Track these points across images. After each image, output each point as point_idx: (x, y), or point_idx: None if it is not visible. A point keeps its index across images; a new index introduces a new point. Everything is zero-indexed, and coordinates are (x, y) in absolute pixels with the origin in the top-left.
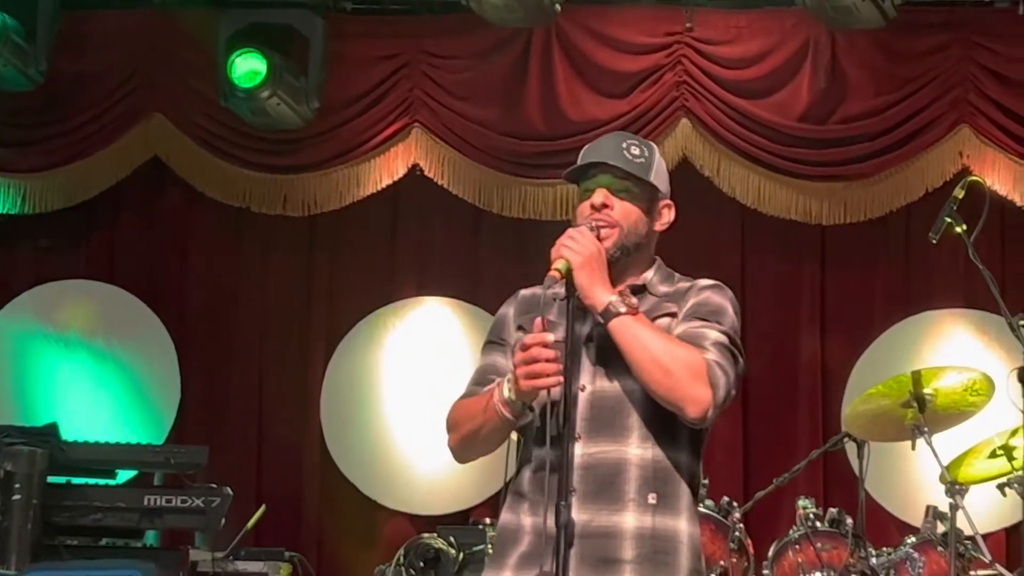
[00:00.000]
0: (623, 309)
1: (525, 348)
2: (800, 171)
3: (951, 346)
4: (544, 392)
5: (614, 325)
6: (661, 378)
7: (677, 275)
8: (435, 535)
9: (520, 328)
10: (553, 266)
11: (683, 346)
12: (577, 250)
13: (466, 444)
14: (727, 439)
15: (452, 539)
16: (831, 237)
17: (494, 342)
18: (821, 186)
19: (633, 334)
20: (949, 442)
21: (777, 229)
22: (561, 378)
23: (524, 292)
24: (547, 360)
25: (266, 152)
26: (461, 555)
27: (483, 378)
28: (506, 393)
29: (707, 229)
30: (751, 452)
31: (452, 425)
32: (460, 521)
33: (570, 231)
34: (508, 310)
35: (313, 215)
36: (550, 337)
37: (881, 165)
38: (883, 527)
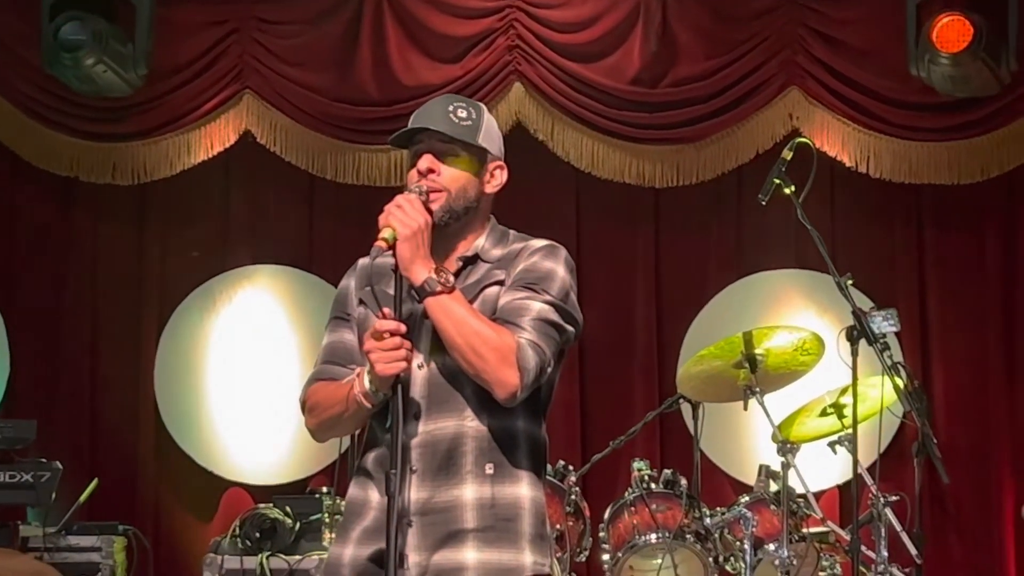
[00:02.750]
0: (438, 288)
1: (378, 335)
2: (633, 134)
3: (783, 306)
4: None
5: (429, 304)
6: (472, 359)
7: (512, 234)
8: (271, 505)
9: (362, 302)
10: (380, 235)
11: (494, 328)
12: (404, 221)
13: (326, 428)
14: (564, 402)
15: (288, 509)
16: (664, 200)
17: (339, 317)
18: (654, 149)
19: (446, 314)
20: (781, 401)
21: (611, 192)
22: (412, 356)
23: (363, 262)
24: (398, 346)
25: (94, 120)
26: (297, 525)
27: (332, 356)
28: (367, 385)
29: (541, 193)
30: (588, 415)
31: (310, 409)
32: (297, 491)
33: (398, 198)
34: (349, 283)
35: (143, 184)
36: (403, 327)
37: (712, 128)
38: (718, 487)
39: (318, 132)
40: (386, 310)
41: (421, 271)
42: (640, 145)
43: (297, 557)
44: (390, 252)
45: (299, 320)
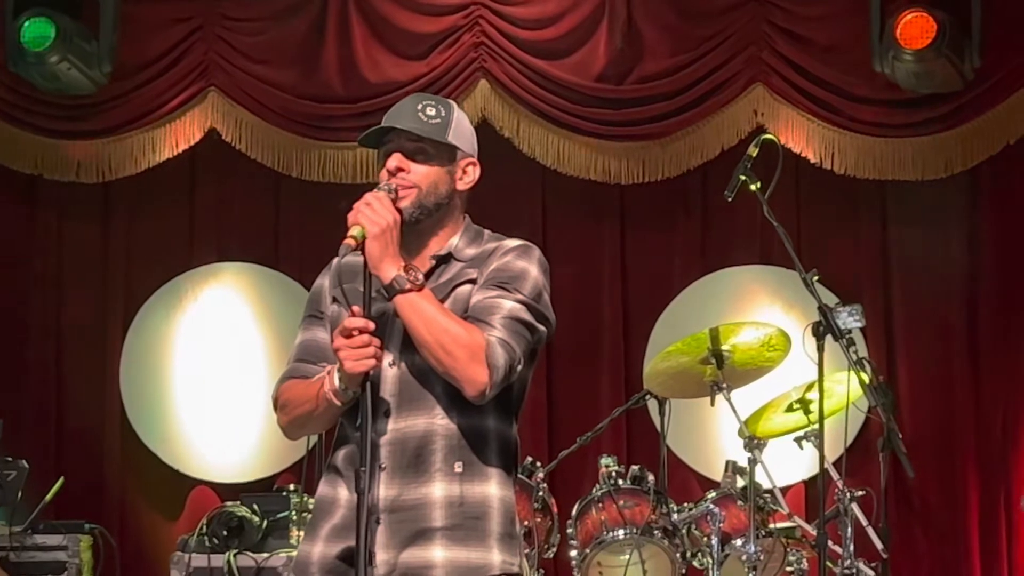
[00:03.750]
0: (407, 285)
1: (346, 333)
2: (599, 131)
3: (749, 303)
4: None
5: (398, 301)
6: (441, 357)
7: (487, 233)
8: (238, 503)
9: (335, 300)
10: (349, 233)
11: (464, 326)
12: (373, 219)
13: (297, 426)
14: (531, 399)
15: (256, 507)
16: (630, 196)
17: (313, 316)
18: (619, 146)
19: (415, 312)
20: (747, 397)
21: (577, 189)
22: (382, 353)
23: (338, 260)
24: (367, 343)
25: (58, 118)
26: (265, 522)
27: (305, 354)
28: (337, 383)
29: (507, 190)
30: (555, 411)
31: (282, 406)
32: (264, 489)
33: (367, 196)
34: (323, 281)
35: (108, 182)
36: (371, 325)
37: (678, 124)
38: (685, 483)
39: (284, 129)
40: (355, 308)
41: (390, 269)
42: (606, 142)
43: (264, 555)
44: (359, 250)
45: (265, 317)
